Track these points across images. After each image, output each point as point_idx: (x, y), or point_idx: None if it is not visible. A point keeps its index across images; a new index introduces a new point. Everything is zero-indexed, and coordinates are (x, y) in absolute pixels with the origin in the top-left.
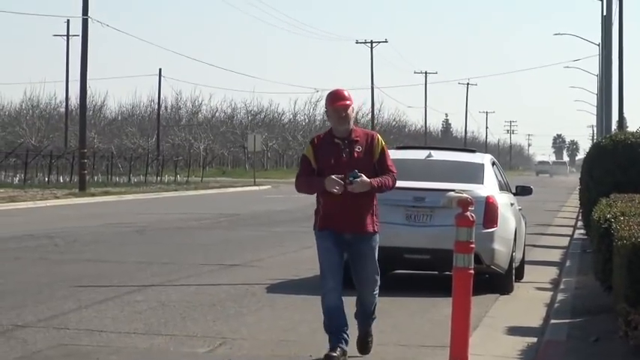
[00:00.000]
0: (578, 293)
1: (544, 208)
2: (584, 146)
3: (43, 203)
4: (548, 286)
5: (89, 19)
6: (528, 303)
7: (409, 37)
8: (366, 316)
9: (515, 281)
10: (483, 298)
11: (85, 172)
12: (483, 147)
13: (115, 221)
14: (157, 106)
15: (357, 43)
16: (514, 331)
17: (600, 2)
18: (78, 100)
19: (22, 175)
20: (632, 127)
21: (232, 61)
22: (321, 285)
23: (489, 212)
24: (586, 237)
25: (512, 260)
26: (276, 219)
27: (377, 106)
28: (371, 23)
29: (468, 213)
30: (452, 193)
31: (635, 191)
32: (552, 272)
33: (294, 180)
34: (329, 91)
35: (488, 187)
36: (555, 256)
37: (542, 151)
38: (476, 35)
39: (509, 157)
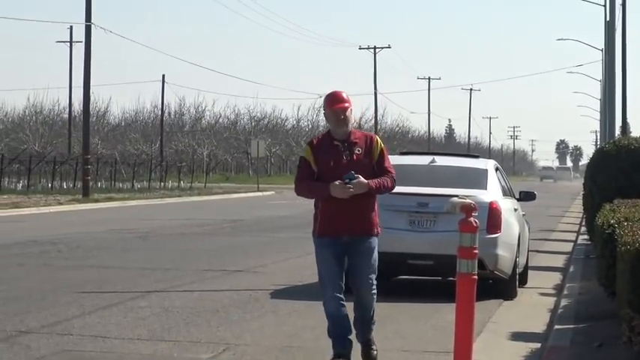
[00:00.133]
0: (582, 299)
1: (548, 214)
2: (588, 152)
3: (46, 209)
4: (552, 291)
5: (92, 26)
6: (532, 309)
7: (412, 42)
8: (365, 321)
9: (519, 287)
10: (487, 304)
11: (89, 178)
12: (487, 152)
13: (118, 227)
14: (160, 112)
15: (360, 48)
16: (518, 336)
17: (603, 8)
18: (81, 106)
19: (26, 182)
20: (635, 132)
21: (235, 67)
22: (322, 293)
23: (493, 218)
24: (589, 242)
25: (515, 266)
26: (280, 225)
27: (380, 111)
28: (374, 29)
29: (472, 218)
30: (455, 199)
31: (639, 196)
32: (556, 278)
33: None
34: (327, 93)
35: (492, 192)
36: (559, 261)
37: (546, 157)
38: (479, 41)
39: (512, 163)
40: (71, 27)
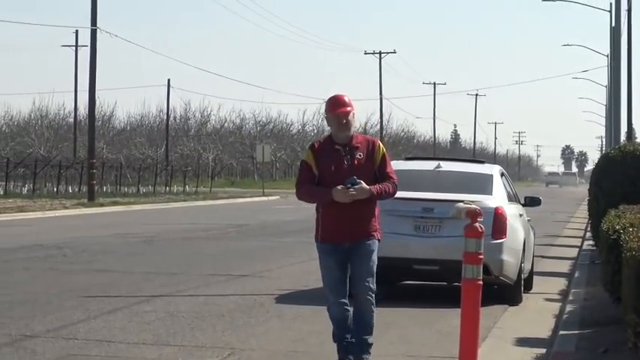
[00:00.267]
0: (587, 304)
1: (553, 219)
2: (593, 157)
3: (51, 213)
4: (557, 297)
5: (98, 30)
6: (537, 314)
7: (418, 47)
8: (363, 326)
9: (524, 292)
10: (492, 309)
11: (94, 182)
12: (492, 158)
13: (123, 231)
14: (165, 117)
15: (365, 53)
16: (523, 342)
17: (609, 13)
18: (87, 110)
19: (31, 186)
20: None
21: (241, 72)
22: (326, 298)
23: (498, 223)
24: (595, 248)
25: (521, 271)
26: (285, 229)
27: (385, 116)
28: (380, 34)
29: (477, 224)
30: (461, 204)
31: None
32: (561, 283)
33: None
34: (329, 97)
35: (497, 198)
36: (564, 267)
37: (551, 162)
38: (484, 46)
39: (517, 168)
40: (77, 31)
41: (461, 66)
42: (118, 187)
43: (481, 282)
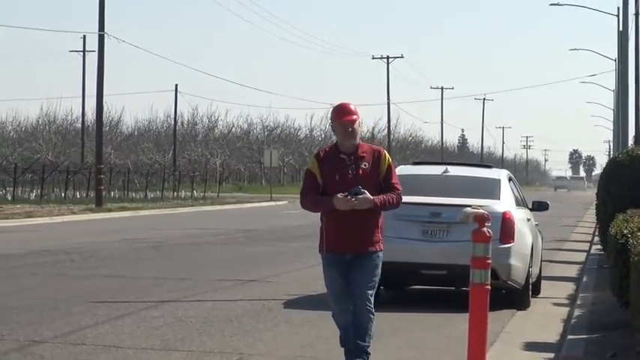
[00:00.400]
0: (595, 309)
1: (561, 224)
2: (601, 161)
3: (59, 219)
4: (565, 301)
5: (105, 35)
6: (545, 318)
7: (425, 52)
8: (360, 333)
9: (532, 297)
10: (500, 314)
11: (102, 187)
12: (500, 162)
13: (131, 237)
14: (173, 122)
15: (373, 58)
16: (531, 346)
17: (616, 18)
18: (94, 115)
19: (39, 191)
20: None
21: (248, 77)
22: (331, 307)
23: (506, 228)
24: (603, 252)
25: (528, 276)
26: (293, 234)
27: (393, 121)
28: (387, 39)
29: (485, 228)
30: (468, 209)
31: None
32: (569, 288)
33: None
34: (335, 105)
35: (505, 202)
36: (572, 271)
37: (559, 167)
38: (492, 50)
39: (525, 173)
40: (84, 36)
41: (468, 70)
42: (126, 192)
43: (489, 286)
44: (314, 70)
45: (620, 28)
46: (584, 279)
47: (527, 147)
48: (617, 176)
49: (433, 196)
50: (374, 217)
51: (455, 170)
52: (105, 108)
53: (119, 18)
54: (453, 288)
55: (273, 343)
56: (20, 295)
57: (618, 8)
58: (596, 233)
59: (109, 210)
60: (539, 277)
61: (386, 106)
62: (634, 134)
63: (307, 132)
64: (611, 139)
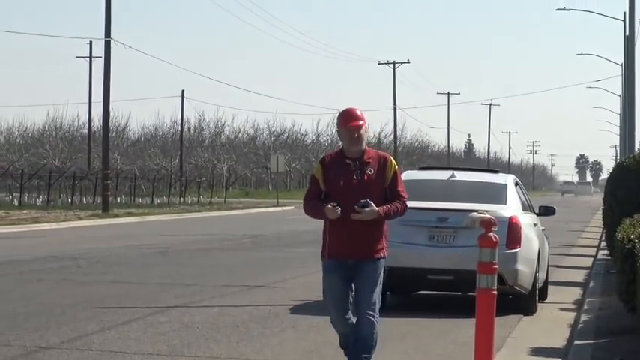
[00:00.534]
0: (602, 314)
1: (567, 229)
2: (608, 166)
3: (66, 224)
4: (572, 306)
5: (112, 41)
6: (552, 323)
7: (431, 57)
8: (362, 345)
9: (539, 302)
10: (507, 319)
11: (108, 193)
12: (506, 167)
13: (138, 242)
14: (179, 128)
15: (379, 63)
16: (538, 351)
17: (623, 23)
18: (101, 121)
19: (46, 197)
20: None
21: (255, 83)
22: (329, 314)
23: (512, 233)
24: (609, 257)
25: (535, 281)
26: (300, 240)
27: (399, 126)
28: (393, 44)
29: (491, 234)
30: (475, 214)
31: None
32: (576, 293)
33: None
34: (341, 111)
35: (512, 207)
36: (579, 276)
37: (566, 172)
38: (498, 56)
39: (532, 178)
40: (91, 42)
41: (475, 76)
42: (133, 198)
43: (496, 292)
44: (320, 75)
45: (627, 33)
46: (591, 284)
47: (533, 152)
48: (623, 181)
49: (440, 201)
50: (377, 225)
51: (461, 175)
52: (111, 114)
53: (125, 24)
54: (460, 293)
55: (279, 349)
56: (27, 301)
57: (624, 13)
58: (603, 238)
59: (116, 216)
60: (546, 282)
61: (392, 111)
62: None
63: (314, 137)
64: (618, 144)
